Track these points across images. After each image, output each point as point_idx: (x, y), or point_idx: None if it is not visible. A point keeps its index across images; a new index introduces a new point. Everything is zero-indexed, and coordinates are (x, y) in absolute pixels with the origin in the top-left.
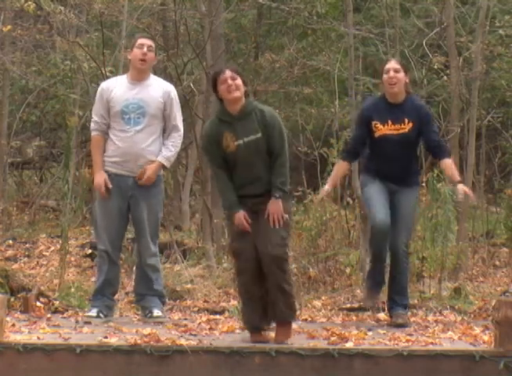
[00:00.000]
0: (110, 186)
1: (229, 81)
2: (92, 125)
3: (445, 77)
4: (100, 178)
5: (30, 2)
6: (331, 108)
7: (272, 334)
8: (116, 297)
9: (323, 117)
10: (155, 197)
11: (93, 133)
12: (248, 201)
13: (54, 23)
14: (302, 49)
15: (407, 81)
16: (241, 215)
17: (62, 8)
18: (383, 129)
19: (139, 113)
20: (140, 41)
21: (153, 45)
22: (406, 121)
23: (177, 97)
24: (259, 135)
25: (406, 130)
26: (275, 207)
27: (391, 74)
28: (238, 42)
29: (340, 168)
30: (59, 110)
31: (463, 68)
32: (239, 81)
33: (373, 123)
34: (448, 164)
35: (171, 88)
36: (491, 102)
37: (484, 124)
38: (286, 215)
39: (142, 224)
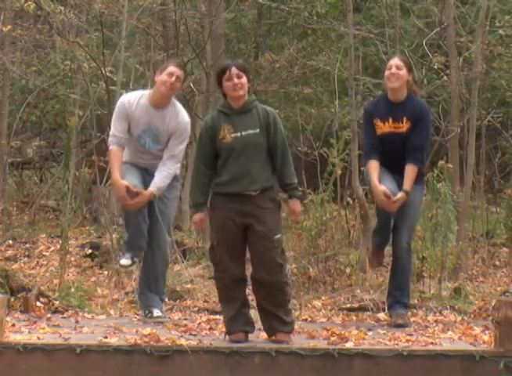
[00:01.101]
0: (135, 189)
1: (235, 80)
2: (111, 139)
3: (445, 77)
4: (122, 190)
5: (30, 2)
6: (331, 108)
7: (266, 334)
8: (116, 297)
9: (323, 117)
10: (174, 192)
11: (111, 147)
12: (236, 206)
13: (54, 23)
14: (302, 49)
15: (410, 79)
16: (200, 217)
17: (62, 8)
18: (383, 127)
19: (154, 139)
20: (171, 69)
21: (183, 75)
22: (405, 119)
23: (189, 129)
24: (257, 130)
25: (404, 129)
26: (298, 207)
27: (393, 70)
28: (238, 42)
29: (374, 167)
30: (59, 110)
31: (463, 68)
32: (244, 80)
33: (375, 121)
34: (410, 171)
35: (186, 122)
36: (491, 102)
37: (484, 124)
38: (279, 235)
39: (163, 216)
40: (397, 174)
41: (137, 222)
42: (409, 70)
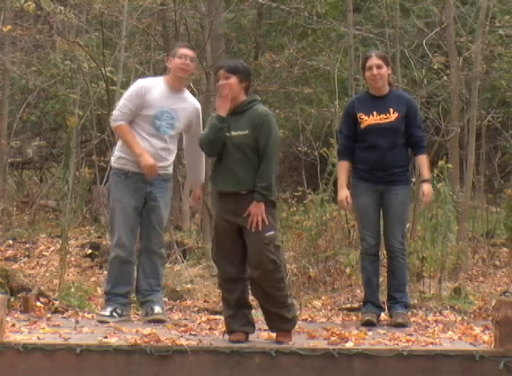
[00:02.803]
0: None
1: (222, 80)
2: (119, 115)
3: (445, 77)
4: (149, 159)
5: (30, 2)
6: (331, 108)
7: (266, 335)
8: None
9: (323, 117)
10: (167, 193)
11: (120, 122)
12: (229, 206)
13: (54, 23)
14: (302, 49)
15: (390, 72)
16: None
17: (62, 8)
18: (368, 120)
19: (170, 123)
20: (182, 51)
21: (194, 54)
22: (391, 110)
23: (201, 114)
24: (246, 131)
25: (392, 119)
26: (255, 210)
27: (375, 71)
28: (238, 42)
29: (343, 169)
30: (59, 110)
31: (463, 68)
32: (232, 80)
33: (358, 115)
34: (423, 160)
35: (198, 106)
36: (491, 102)
37: (484, 124)
38: (272, 232)
39: (158, 216)
40: (380, 181)
41: (125, 260)
42: (387, 64)
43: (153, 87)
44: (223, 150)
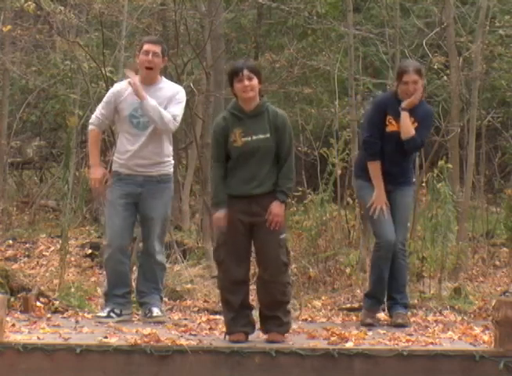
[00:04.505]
0: (109, 181)
1: (246, 82)
2: (93, 119)
3: (445, 77)
4: (98, 174)
5: (30, 2)
6: (331, 108)
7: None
8: None
9: (323, 117)
10: (164, 194)
11: (91, 127)
12: (243, 207)
13: (54, 23)
14: (302, 49)
15: (424, 84)
16: (222, 215)
17: (62, 8)
18: (395, 126)
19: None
20: (146, 47)
21: (159, 49)
22: (413, 120)
23: (184, 97)
24: (268, 135)
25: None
26: (278, 210)
27: (411, 88)
28: (238, 42)
29: (378, 169)
30: (59, 110)
31: (463, 68)
32: (254, 82)
33: (388, 117)
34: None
35: (179, 89)
36: (491, 102)
37: (484, 124)
38: (284, 235)
39: (152, 221)
40: (386, 182)
41: (118, 260)
42: (421, 76)
43: (123, 88)
44: (241, 155)
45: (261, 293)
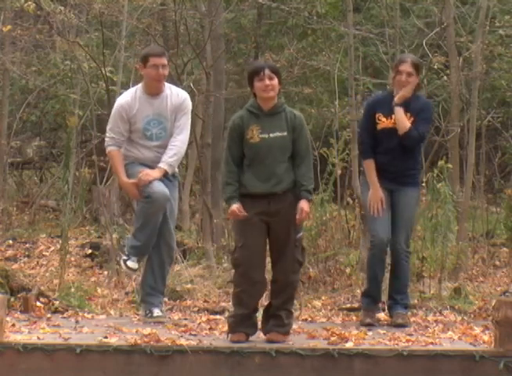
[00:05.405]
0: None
1: (267, 82)
2: (109, 141)
3: (445, 77)
4: (133, 190)
5: (30, 2)
6: (331, 108)
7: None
8: (116, 297)
9: (323, 117)
10: (174, 190)
11: (111, 148)
12: (263, 207)
13: (54, 23)
14: (302, 49)
15: (418, 81)
16: (235, 208)
17: (62, 8)
18: (386, 122)
19: (161, 128)
20: (153, 61)
21: (166, 59)
22: (408, 115)
23: (189, 106)
24: (285, 133)
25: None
26: (306, 206)
27: (404, 78)
28: (238, 42)
29: (371, 167)
30: (59, 110)
31: (463, 68)
32: (275, 81)
33: (377, 115)
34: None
35: (183, 96)
36: (491, 102)
37: (484, 124)
38: (301, 234)
39: (171, 215)
40: (390, 180)
41: (154, 229)
42: (418, 72)
43: (132, 102)
44: (257, 152)
45: (274, 292)
